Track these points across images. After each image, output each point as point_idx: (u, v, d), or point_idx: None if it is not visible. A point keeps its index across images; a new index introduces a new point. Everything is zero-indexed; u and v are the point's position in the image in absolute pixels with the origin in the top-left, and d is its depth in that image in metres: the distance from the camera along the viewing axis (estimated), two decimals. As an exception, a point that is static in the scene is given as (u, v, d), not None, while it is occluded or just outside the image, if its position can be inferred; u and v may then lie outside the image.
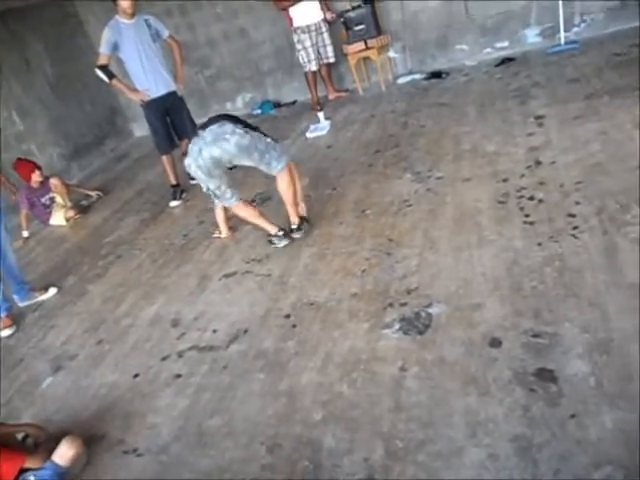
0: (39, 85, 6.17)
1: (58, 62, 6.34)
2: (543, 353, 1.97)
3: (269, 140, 3.17)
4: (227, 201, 3.35)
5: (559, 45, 5.41)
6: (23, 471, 2.02)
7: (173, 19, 6.66)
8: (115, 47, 4.34)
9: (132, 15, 4.32)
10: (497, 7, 5.63)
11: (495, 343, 2.08)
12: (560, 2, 5.23)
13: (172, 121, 4.72)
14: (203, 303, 3.06)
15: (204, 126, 3.17)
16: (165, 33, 4.58)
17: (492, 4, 5.62)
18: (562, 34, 5.40)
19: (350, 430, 1.91)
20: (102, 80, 4.39)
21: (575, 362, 1.89)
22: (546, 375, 1.88)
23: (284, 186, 3.23)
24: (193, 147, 3.14)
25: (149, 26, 4.43)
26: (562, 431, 1.66)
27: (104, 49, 4.31)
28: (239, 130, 3.07)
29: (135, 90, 4.52)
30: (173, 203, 4.74)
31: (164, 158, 4.78)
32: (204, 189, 3.31)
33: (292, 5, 5.34)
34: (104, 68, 4.33)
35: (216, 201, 3.42)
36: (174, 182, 4.82)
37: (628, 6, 5.27)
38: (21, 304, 3.71)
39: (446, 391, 1.94)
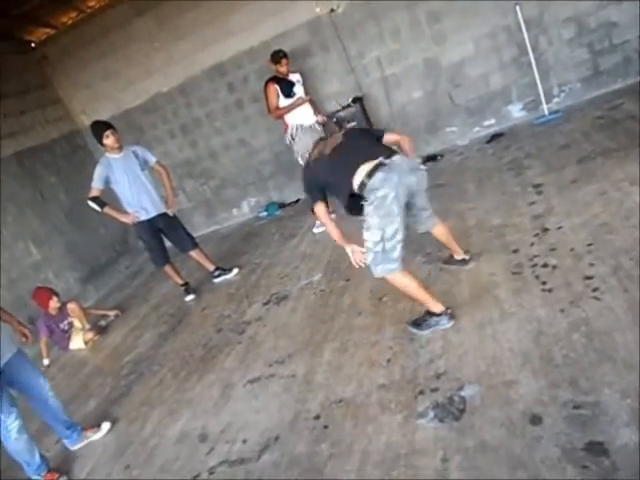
0: (54, 214, 6.44)
1: (71, 191, 6.66)
2: (589, 425, 1.88)
3: None
4: (391, 263, 2.74)
5: (544, 116, 5.65)
6: None
7: (176, 139, 7.07)
8: (107, 181, 4.71)
9: (120, 149, 4.71)
10: (477, 91, 5.95)
11: (536, 420, 2.00)
12: (537, 77, 5.54)
13: (169, 239, 5.11)
14: (229, 413, 2.98)
15: (379, 154, 2.76)
16: (152, 160, 4.95)
17: (472, 89, 5.96)
18: (544, 105, 5.65)
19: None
20: (95, 210, 4.72)
21: (624, 431, 1.80)
22: (596, 448, 1.79)
23: (442, 230, 3.26)
24: (390, 175, 2.67)
25: (137, 156, 4.81)
26: (625, 510, 1.55)
27: (96, 184, 4.68)
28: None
29: (126, 213, 4.83)
30: (188, 297, 5.14)
31: (165, 269, 5.18)
32: (369, 244, 2.74)
33: (287, 112, 5.67)
34: (96, 199, 4.68)
35: (376, 268, 2.79)
36: (182, 282, 5.24)
37: (600, 74, 5.57)
38: (73, 447, 3.38)
39: (494, 479, 1.84)
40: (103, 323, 5.53)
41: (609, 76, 5.57)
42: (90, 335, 5.19)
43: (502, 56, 5.78)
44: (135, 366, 4.19)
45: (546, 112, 5.66)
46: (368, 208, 2.73)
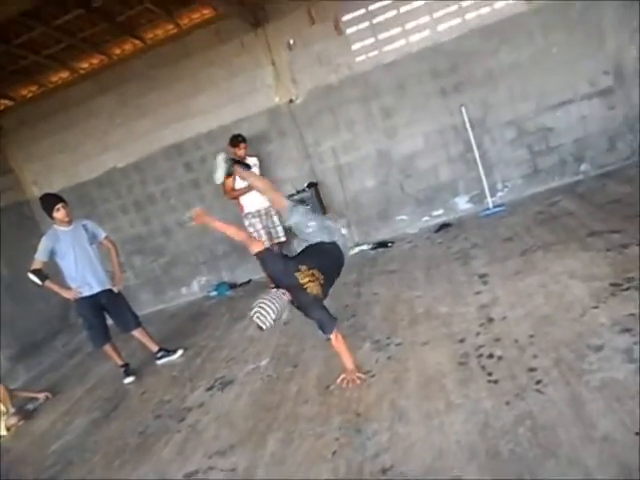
0: (-10, 287, 6.13)
1: (13, 263, 6.39)
2: (535, 527, 1.83)
3: None
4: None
5: (488, 209, 5.94)
6: None
7: (128, 215, 7.02)
8: (52, 253, 4.57)
9: (69, 223, 4.64)
10: (427, 182, 6.26)
11: (483, 521, 1.93)
12: (482, 172, 5.88)
13: (112, 317, 4.93)
14: (161, 511, 2.75)
15: None
16: (101, 235, 4.89)
17: (422, 180, 6.26)
18: (489, 199, 5.97)
19: None
20: (35, 283, 4.49)
21: (570, 533, 1.76)
22: None
23: None
24: None
25: (86, 230, 4.75)
26: None
27: (40, 256, 4.53)
28: None
29: (67, 289, 4.67)
30: (127, 380, 4.86)
31: (104, 349, 4.94)
32: None
33: (243, 194, 5.74)
34: (37, 272, 4.49)
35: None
36: (121, 363, 4.97)
37: (539, 172, 5.99)
38: None
39: None
40: (30, 407, 5.11)
41: (547, 175, 5.99)
42: (14, 420, 4.78)
43: (450, 151, 6.15)
44: (62, 455, 3.84)
45: (491, 205, 5.96)
46: None
